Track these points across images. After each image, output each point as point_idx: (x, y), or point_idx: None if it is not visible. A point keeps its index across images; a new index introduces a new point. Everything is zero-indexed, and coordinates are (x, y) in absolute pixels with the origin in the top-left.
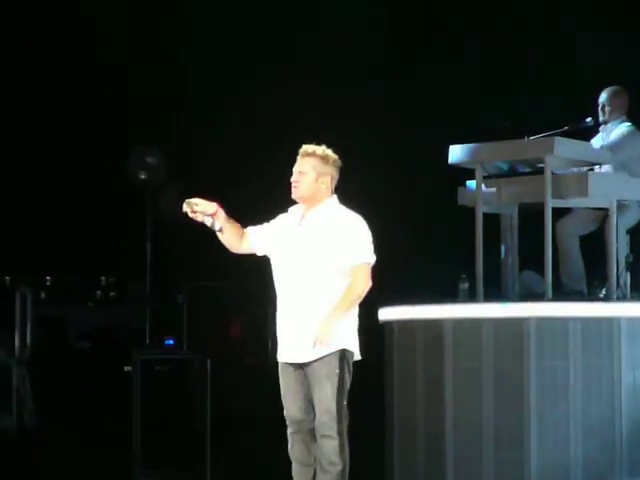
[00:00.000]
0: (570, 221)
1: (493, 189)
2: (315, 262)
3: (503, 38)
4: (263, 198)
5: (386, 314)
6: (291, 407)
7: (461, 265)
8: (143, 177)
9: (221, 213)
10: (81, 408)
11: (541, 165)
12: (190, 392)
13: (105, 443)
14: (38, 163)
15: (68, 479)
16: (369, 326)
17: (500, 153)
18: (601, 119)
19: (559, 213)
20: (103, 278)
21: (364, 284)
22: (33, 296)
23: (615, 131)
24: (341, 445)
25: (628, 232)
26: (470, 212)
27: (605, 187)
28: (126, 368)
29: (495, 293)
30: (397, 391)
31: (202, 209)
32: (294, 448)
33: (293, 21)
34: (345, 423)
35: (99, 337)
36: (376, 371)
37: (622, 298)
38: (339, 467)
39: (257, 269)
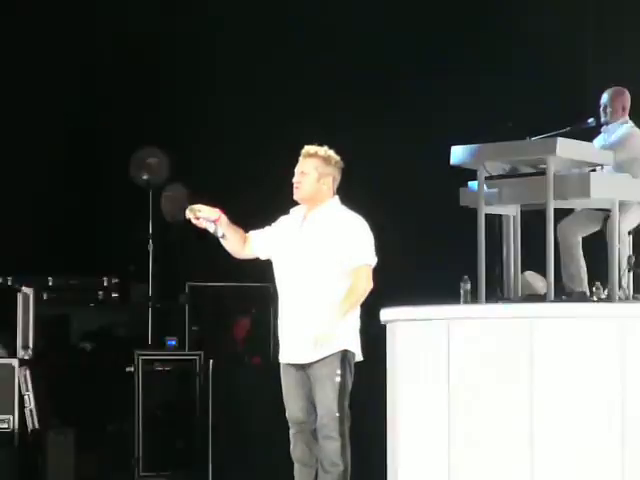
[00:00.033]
0: (572, 222)
1: (495, 190)
2: (316, 263)
3: (503, 38)
4: (265, 199)
5: (388, 315)
6: (293, 408)
7: (463, 266)
8: (145, 178)
9: (224, 219)
10: (83, 408)
11: (543, 166)
12: (192, 393)
13: (107, 443)
14: (40, 164)
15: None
16: (371, 327)
17: (502, 154)
18: (603, 120)
19: (561, 214)
20: (105, 279)
21: (365, 285)
22: (35, 296)
23: (617, 132)
24: (343, 446)
25: (630, 233)
26: (472, 213)
27: (607, 188)
28: (128, 368)
29: (497, 294)
30: (398, 392)
31: (205, 215)
32: (296, 449)
33: (293, 21)
34: (347, 424)
35: (101, 337)
36: (378, 372)
37: (624, 299)
38: (341, 468)
39: (259, 270)
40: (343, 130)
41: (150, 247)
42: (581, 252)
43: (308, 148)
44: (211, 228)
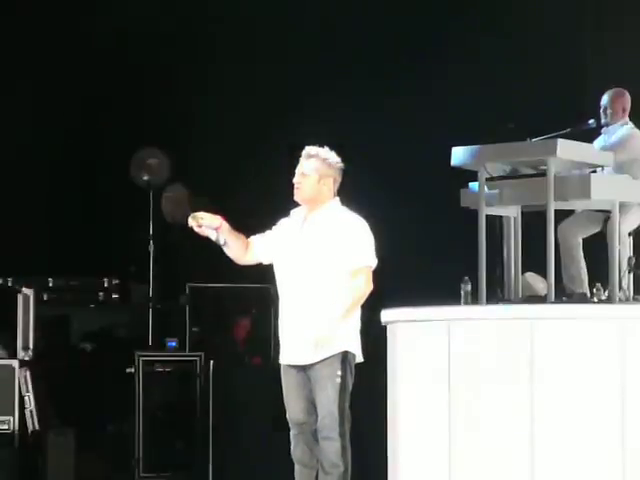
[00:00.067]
0: (572, 223)
1: (495, 191)
2: (317, 264)
3: (503, 38)
4: (265, 199)
5: (389, 316)
6: (294, 409)
7: (464, 267)
8: (146, 178)
9: (225, 226)
10: (83, 409)
11: (543, 167)
12: (192, 393)
13: (107, 444)
14: (40, 164)
15: None
16: (371, 328)
17: (502, 155)
18: (603, 121)
19: (561, 215)
20: (105, 279)
21: (365, 287)
22: (35, 297)
23: (617, 133)
24: (343, 447)
25: (630, 234)
26: (473, 214)
27: (607, 189)
28: (128, 369)
29: (497, 295)
30: (399, 392)
31: (207, 223)
32: (297, 450)
33: (293, 22)
34: (347, 425)
35: (101, 338)
36: (378, 373)
37: (624, 300)
38: (341, 469)
39: (259, 271)
40: (343, 130)
41: (150, 248)
42: (581, 253)
43: (309, 149)
44: (213, 236)
